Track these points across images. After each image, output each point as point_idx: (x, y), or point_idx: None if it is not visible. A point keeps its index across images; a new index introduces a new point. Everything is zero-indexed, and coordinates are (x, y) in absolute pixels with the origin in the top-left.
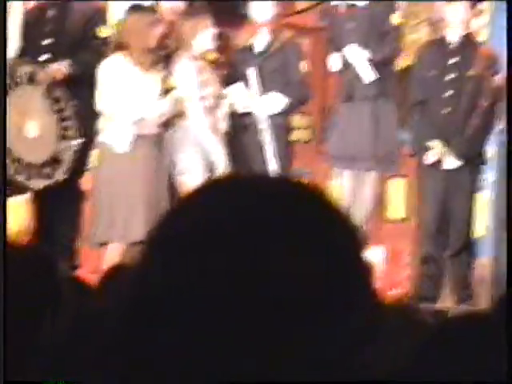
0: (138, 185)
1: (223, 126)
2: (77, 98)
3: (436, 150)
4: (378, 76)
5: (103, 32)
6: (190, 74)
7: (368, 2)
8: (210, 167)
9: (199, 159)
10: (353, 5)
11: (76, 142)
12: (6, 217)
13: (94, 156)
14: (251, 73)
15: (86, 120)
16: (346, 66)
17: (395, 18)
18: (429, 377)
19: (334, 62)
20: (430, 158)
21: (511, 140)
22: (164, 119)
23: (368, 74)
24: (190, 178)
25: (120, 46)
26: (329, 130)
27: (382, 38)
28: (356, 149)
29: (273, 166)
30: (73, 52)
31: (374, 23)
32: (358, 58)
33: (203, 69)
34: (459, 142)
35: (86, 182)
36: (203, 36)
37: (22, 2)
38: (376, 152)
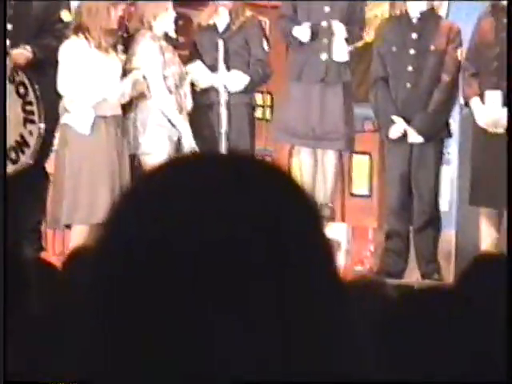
0: (101, 166)
1: (188, 104)
2: (41, 82)
3: (399, 125)
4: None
5: (66, 16)
6: (153, 54)
7: None
8: (176, 147)
9: (164, 139)
10: None
11: (41, 126)
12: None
13: (57, 138)
14: (219, 47)
15: (51, 104)
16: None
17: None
18: (394, 352)
19: (303, 33)
20: (393, 132)
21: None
22: (126, 100)
23: (343, 54)
24: (155, 159)
25: (80, 28)
26: (283, 107)
27: (354, 24)
28: (325, 128)
29: (223, 143)
30: (36, 36)
31: (349, 9)
32: (339, 35)
33: (165, 49)
34: (422, 117)
35: (51, 165)
36: (164, 17)
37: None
38: (347, 131)
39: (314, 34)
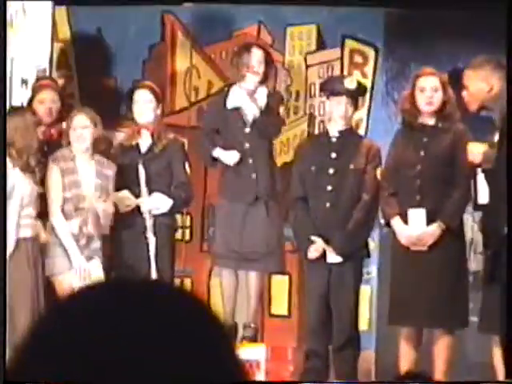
0: (20, 289)
1: (101, 226)
2: None
3: (318, 245)
4: (260, 115)
5: None
6: (53, 177)
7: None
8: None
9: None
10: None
11: None
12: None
13: None
14: (140, 170)
15: None
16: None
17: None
18: None
19: (230, 157)
20: (311, 253)
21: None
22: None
23: (253, 109)
24: (67, 279)
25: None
26: (210, 228)
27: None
28: (246, 249)
29: (155, 267)
30: None
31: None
32: (245, 99)
33: (69, 171)
34: (340, 237)
35: None
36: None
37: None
38: (268, 252)
39: (241, 158)
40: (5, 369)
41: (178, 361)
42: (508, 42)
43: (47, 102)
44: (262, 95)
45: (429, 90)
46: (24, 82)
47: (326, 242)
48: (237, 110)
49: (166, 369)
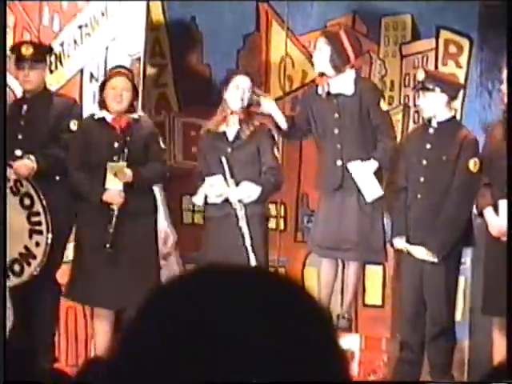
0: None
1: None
2: (47, 193)
3: (402, 243)
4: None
5: (74, 126)
6: None
7: (354, 91)
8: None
9: None
10: (339, 94)
11: (49, 236)
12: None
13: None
14: (224, 162)
15: (58, 214)
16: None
17: (383, 105)
18: None
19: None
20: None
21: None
22: None
23: (373, 191)
24: None
25: None
26: (312, 218)
27: (375, 131)
28: (340, 238)
29: (251, 256)
30: (43, 146)
31: (361, 113)
32: (363, 173)
33: None
34: (433, 238)
35: (62, 276)
36: None
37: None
38: (360, 242)
39: (328, 141)
40: (5, 368)
41: (278, 346)
42: (508, 42)
43: (118, 89)
44: (350, 79)
45: None
46: None
47: (417, 236)
48: (328, 95)
49: (268, 354)
